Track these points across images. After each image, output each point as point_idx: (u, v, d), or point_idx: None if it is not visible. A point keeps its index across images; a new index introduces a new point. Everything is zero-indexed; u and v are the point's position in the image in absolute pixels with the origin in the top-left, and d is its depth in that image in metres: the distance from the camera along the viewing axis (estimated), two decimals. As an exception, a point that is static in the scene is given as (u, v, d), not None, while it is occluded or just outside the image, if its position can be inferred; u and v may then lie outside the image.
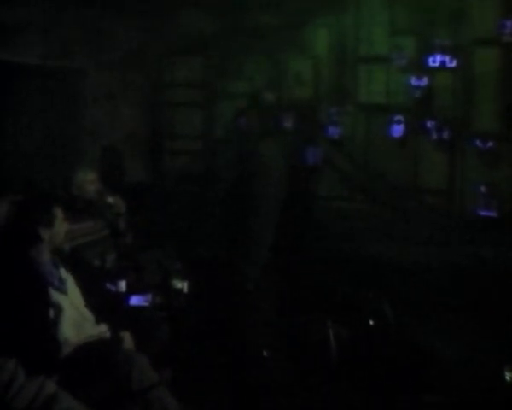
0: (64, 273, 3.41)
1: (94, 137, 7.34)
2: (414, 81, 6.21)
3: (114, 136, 7.51)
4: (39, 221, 3.27)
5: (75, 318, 3.31)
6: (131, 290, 4.06)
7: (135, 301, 4.00)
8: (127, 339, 3.45)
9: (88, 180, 4.54)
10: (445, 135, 6.05)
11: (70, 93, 7.18)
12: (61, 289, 3.32)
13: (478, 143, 5.86)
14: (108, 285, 4.01)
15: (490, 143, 5.80)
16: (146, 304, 3.99)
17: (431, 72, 6.14)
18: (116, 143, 7.44)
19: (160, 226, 6.43)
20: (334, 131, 6.71)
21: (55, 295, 3.22)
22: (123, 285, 4.02)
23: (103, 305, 3.64)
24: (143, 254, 4.64)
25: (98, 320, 3.49)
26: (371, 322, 4.13)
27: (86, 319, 3.42)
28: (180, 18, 7.51)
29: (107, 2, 6.86)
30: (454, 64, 6.04)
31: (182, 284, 4.14)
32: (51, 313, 3.13)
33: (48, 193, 3.78)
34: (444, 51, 6.07)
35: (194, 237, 6.16)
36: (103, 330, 3.48)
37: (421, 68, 6.17)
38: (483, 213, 5.73)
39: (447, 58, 6.05)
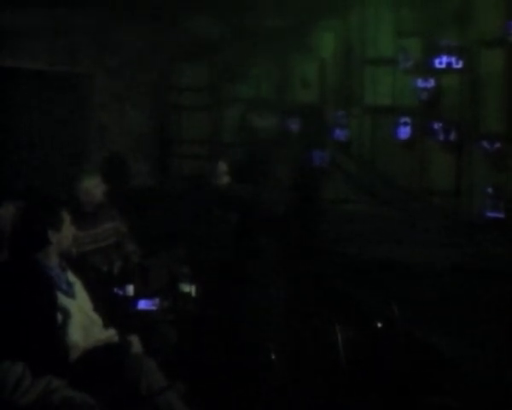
0: (72, 277, 3.42)
1: (102, 141, 7.37)
2: (420, 83, 6.20)
3: (122, 140, 7.53)
4: (47, 224, 3.28)
5: (83, 322, 3.32)
6: (139, 294, 4.07)
7: (142, 305, 4.01)
8: (135, 343, 3.46)
9: (93, 184, 4.56)
10: (452, 136, 6.04)
11: (77, 98, 7.20)
12: (69, 292, 3.33)
13: (485, 144, 5.84)
14: (116, 290, 4.02)
15: (497, 144, 5.78)
16: (154, 308, 4.00)
17: (437, 73, 6.12)
18: (120, 150, 7.45)
19: (168, 230, 6.43)
20: (340, 134, 6.71)
21: (63, 299, 3.23)
22: (130, 289, 4.04)
23: (111, 309, 3.65)
24: (151, 258, 4.66)
25: (106, 324, 3.50)
26: (379, 324, 4.12)
27: (94, 323, 3.43)
28: (187, 22, 7.53)
29: (114, 7, 6.88)
30: (460, 65, 6.02)
31: (189, 288, 4.14)
32: (59, 317, 3.14)
33: (54, 197, 3.79)
34: (450, 52, 6.05)
35: (202, 240, 6.16)
36: (111, 334, 3.49)
37: (427, 70, 6.17)
38: (490, 214, 5.71)
39: (453, 59, 6.04)
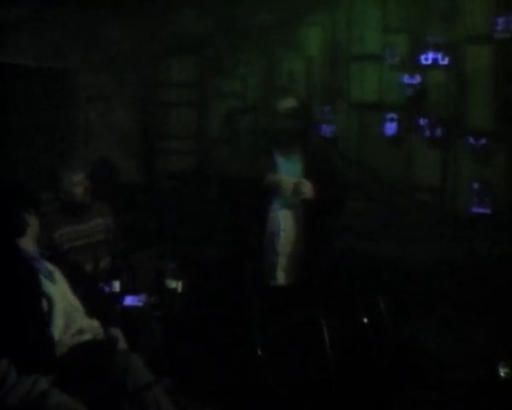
0: (49, 266, 3.40)
1: (87, 137, 7.33)
2: (406, 79, 6.22)
3: (108, 136, 7.50)
4: (24, 207, 3.25)
5: (65, 308, 3.30)
6: (125, 290, 4.06)
7: (129, 301, 4.00)
8: (119, 337, 3.45)
9: (74, 183, 4.50)
10: (438, 132, 6.06)
11: (63, 94, 7.16)
12: (50, 278, 3.31)
13: (471, 140, 5.87)
14: (102, 286, 4.01)
15: (483, 140, 5.81)
16: (140, 304, 3.99)
17: (423, 69, 6.15)
18: (106, 146, 7.42)
19: (154, 226, 6.42)
20: (327, 130, 6.72)
21: (46, 285, 3.20)
22: (117, 285, 4.02)
23: (97, 306, 3.64)
24: (137, 254, 4.64)
25: (90, 314, 3.49)
26: (365, 319, 4.13)
27: (76, 310, 3.41)
28: (173, 18, 7.51)
29: (101, 3, 6.85)
30: (446, 61, 6.05)
31: (176, 284, 4.13)
32: (44, 304, 3.12)
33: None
34: (436, 49, 6.08)
35: (188, 236, 6.16)
36: (95, 325, 3.47)
37: (413, 66, 6.19)
38: (476, 209, 5.74)
39: (439, 55, 6.07)
